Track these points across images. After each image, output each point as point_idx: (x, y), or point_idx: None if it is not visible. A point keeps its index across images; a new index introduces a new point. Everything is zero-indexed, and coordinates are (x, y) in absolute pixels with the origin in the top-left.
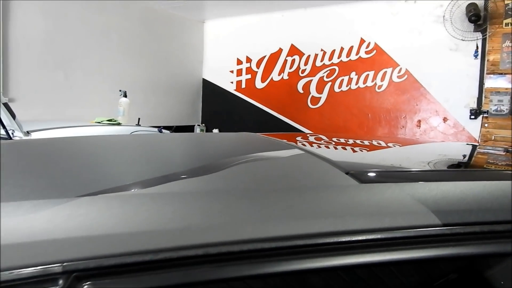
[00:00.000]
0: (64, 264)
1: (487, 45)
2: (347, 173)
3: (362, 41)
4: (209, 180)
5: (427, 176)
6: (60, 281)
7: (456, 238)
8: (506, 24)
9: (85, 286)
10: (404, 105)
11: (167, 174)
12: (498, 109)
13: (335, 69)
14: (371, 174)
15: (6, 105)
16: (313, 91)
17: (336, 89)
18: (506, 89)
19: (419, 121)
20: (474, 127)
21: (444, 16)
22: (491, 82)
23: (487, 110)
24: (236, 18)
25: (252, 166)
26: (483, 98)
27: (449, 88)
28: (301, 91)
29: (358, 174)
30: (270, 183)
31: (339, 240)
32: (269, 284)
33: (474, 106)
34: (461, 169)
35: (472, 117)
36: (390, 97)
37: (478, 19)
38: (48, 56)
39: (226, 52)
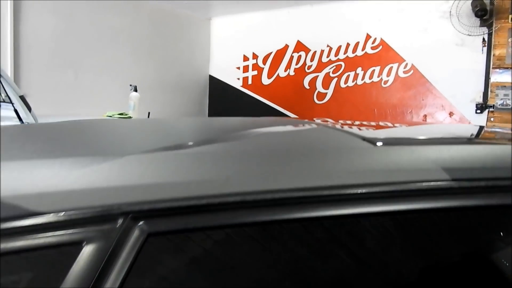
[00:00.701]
0: (122, 206)
1: (493, 40)
2: (363, 139)
3: (368, 36)
4: (241, 144)
5: (437, 141)
6: (119, 220)
7: (464, 191)
8: None
9: (139, 224)
10: (410, 100)
11: (206, 138)
12: (504, 103)
13: (341, 65)
14: (386, 140)
15: (22, 98)
16: (319, 87)
17: (342, 85)
18: None
19: (425, 116)
20: (480, 122)
21: (450, 11)
22: (497, 76)
23: (493, 105)
24: (242, 15)
25: (276, 134)
26: (489, 92)
27: (455, 83)
28: (307, 87)
29: (374, 140)
30: (296, 146)
31: (358, 191)
32: (299, 230)
33: (480, 100)
34: (468, 137)
35: (478, 111)
36: (396, 93)
37: (485, 13)
38: (58, 55)
39: (232, 49)
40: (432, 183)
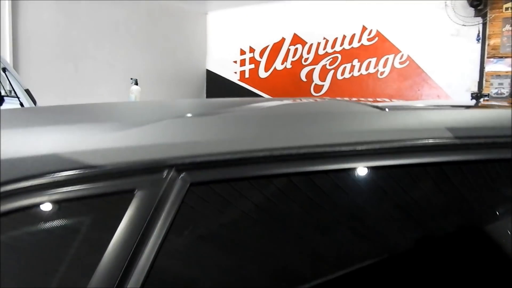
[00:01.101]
0: (167, 160)
1: (487, 29)
2: (373, 107)
3: (364, 28)
4: (268, 110)
5: (440, 107)
6: (165, 172)
7: (466, 147)
8: (506, 9)
9: (182, 175)
10: (407, 91)
11: (232, 106)
12: (499, 92)
13: (337, 57)
14: (394, 106)
15: (27, 92)
16: (316, 79)
17: (339, 77)
18: (506, 72)
19: None
20: None
21: (445, 2)
22: (491, 66)
23: (488, 94)
24: (238, 8)
25: (297, 104)
26: (484, 82)
27: (451, 73)
28: (304, 80)
29: (383, 106)
30: (315, 112)
31: (373, 147)
32: (321, 180)
33: (475, 90)
34: (468, 105)
35: (473, 100)
36: (393, 83)
37: (479, 3)
38: (58, 49)
39: (229, 43)
40: (437, 140)
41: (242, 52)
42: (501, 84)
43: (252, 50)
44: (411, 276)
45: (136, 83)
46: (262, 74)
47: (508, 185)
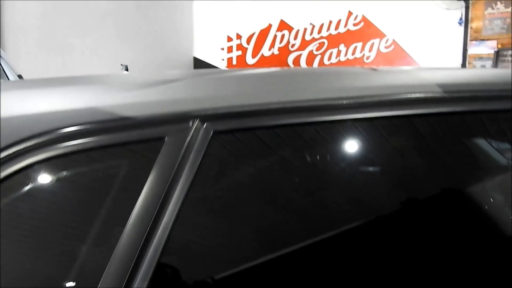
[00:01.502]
0: (192, 112)
1: (470, 13)
2: (367, 68)
3: (349, 13)
4: (275, 71)
5: (430, 68)
6: (191, 122)
7: (453, 100)
8: None
9: (205, 125)
10: None
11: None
12: None
13: (324, 42)
14: (386, 68)
15: (20, 78)
16: (303, 65)
17: (326, 62)
18: (488, 54)
19: None
20: None
21: None
22: (474, 48)
23: None
24: None
25: (300, 69)
26: (467, 64)
27: (435, 55)
28: (292, 65)
29: (376, 68)
30: (318, 72)
31: (372, 100)
32: (326, 130)
33: None
34: (456, 67)
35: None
36: None
37: None
38: (45, 42)
39: (216, 30)
40: (428, 94)
41: (229, 39)
42: (484, 66)
43: (239, 36)
44: (397, 222)
45: (127, 69)
46: (250, 60)
47: (490, 133)
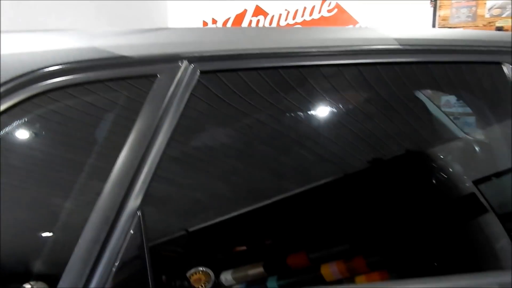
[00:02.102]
0: (181, 54)
1: (438, 1)
2: (341, 28)
3: (324, 0)
4: (256, 28)
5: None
6: (180, 62)
7: (409, 52)
8: None
9: (193, 65)
10: None
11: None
12: None
13: None
14: (353, 27)
15: None
16: None
17: None
18: None
19: None
20: None
21: None
22: None
23: None
24: None
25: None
26: None
27: None
28: None
29: (344, 27)
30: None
31: (344, 49)
32: (295, 74)
33: None
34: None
35: None
36: None
37: None
38: (19, 21)
39: (191, 15)
40: (388, 46)
41: (205, 24)
42: None
43: (214, 21)
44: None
45: None
46: None
47: (438, 81)
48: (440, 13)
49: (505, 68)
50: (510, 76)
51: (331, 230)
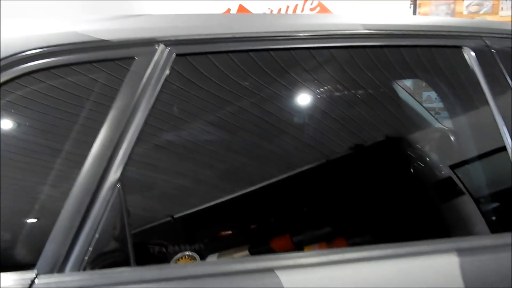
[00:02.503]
0: (157, 38)
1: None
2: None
3: None
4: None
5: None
6: (156, 46)
7: (374, 36)
8: None
9: (169, 48)
10: None
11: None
12: None
13: None
14: (324, 14)
15: None
16: None
17: None
18: None
19: None
20: None
21: None
22: None
23: None
24: None
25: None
26: None
27: None
28: None
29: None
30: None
31: (317, 34)
32: (267, 57)
33: None
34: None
35: None
36: None
37: None
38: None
39: (175, 12)
40: (356, 31)
41: None
42: None
43: None
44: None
45: None
46: None
47: (401, 64)
48: (420, 10)
49: (465, 52)
50: (469, 59)
51: (313, 214)
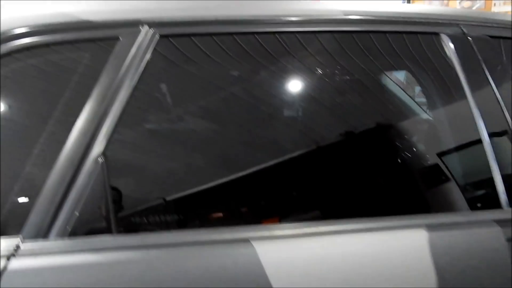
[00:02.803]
0: (142, 19)
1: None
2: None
3: None
4: None
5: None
6: (141, 26)
7: (353, 21)
8: None
9: (153, 29)
10: None
11: None
12: None
13: None
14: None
15: None
16: None
17: None
18: None
19: None
20: None
21: None
22: None
23: None
24: None
25: None
26: None
27: None
28: None
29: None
30: None
31: (302, 19)
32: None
33: None
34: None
35: None
36: None
37: None
38: None
39: None
40: (332, 16)
41: None
42: None
43: None
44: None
45: None
46: None
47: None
48: None
49: (442, 39)
50: (446, 46)
51: (302, 197)
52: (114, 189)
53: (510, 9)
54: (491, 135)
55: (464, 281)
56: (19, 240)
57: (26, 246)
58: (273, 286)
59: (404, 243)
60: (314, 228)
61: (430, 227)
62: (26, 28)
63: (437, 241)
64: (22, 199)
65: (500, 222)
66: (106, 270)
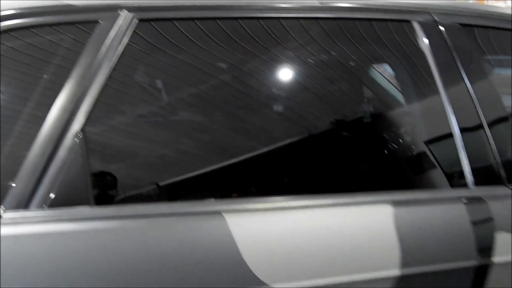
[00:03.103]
0: (122, 3)
1: None
2: None
3: None
4: None
5: None
6: (120, 11)
7: (325, 10)
8: None
9: (133, 14)
10: None
11: None
12: None
13: None
14: None
15: None
16: None
17: None
18: None
19: None
20: None
21: None
22: None
23: None
24: None
25: None
26: None
27: None
28: None
29: None
30: None
31: (265, 5)
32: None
33: None
34: None
35: None
36: None
37: None
38: None
39: None
40: (311, 5)
41: None
42: None
43: None
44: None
45: None
46: None
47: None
48: None
49: (414, 27)
50: (417, 34)
51: (292, 181)
52: (92, 163)
53: (503, 4)
54: (459, 119)
55: (425, 252)
56: (1, 210)
57: (7, 215)
58: (244, 257)
59: (371, 217)
60: (284, 203)
61: (396, 203)
62: (6, 11)
63: (402, 215)
64: (3, 171)
65: (464, 199)
66: (83, 238)
